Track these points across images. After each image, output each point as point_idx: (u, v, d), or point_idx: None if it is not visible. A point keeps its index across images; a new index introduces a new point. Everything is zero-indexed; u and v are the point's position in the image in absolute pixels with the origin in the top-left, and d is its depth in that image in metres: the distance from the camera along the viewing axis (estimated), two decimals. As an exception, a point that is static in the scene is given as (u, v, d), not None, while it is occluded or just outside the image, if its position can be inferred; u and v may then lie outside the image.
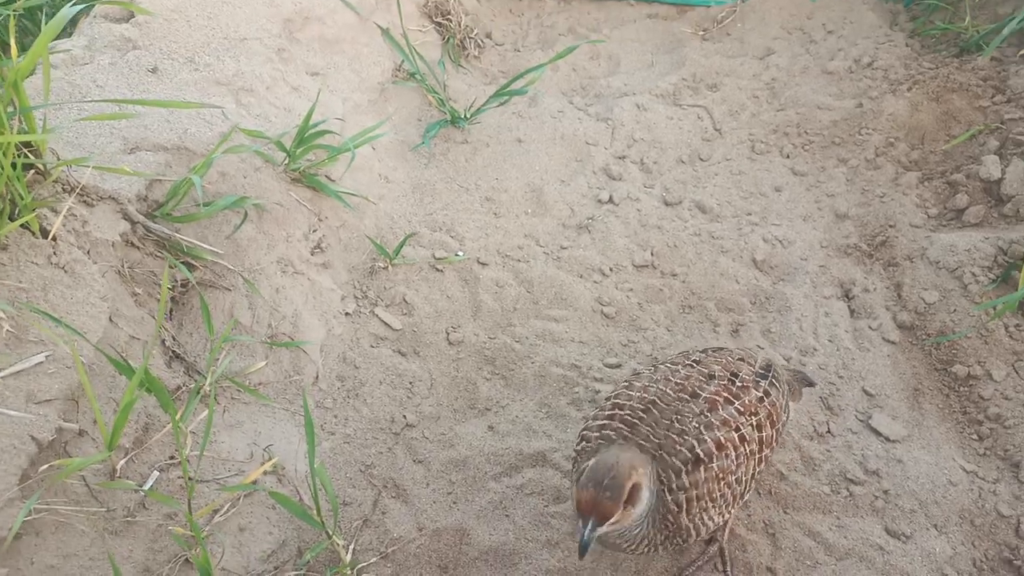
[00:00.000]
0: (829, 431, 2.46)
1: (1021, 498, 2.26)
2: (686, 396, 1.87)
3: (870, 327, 2.77)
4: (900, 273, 2.90)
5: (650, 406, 1.85)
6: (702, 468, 1.76)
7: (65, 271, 1.93)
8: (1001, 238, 2.81)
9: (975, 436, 2.46)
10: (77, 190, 2.09)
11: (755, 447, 1.87)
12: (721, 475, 1.79)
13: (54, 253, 1.94)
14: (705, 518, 1.80)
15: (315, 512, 1.95)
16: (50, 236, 1.94)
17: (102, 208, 2.21)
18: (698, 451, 1.77)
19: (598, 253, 3.09)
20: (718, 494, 1.80)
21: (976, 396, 2.52)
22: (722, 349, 2.10)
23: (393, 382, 2.56)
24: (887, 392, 2.58)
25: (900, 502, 2.27)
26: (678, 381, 1.91)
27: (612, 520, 1.62)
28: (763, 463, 1.93)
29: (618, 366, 2.67)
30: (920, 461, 2.35)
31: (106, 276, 2.06)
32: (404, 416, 2.46)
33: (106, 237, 2.13)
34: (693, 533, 1.81)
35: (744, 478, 1.86)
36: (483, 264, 2.99)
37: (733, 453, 1.81)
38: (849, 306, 2.86)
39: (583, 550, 1.60)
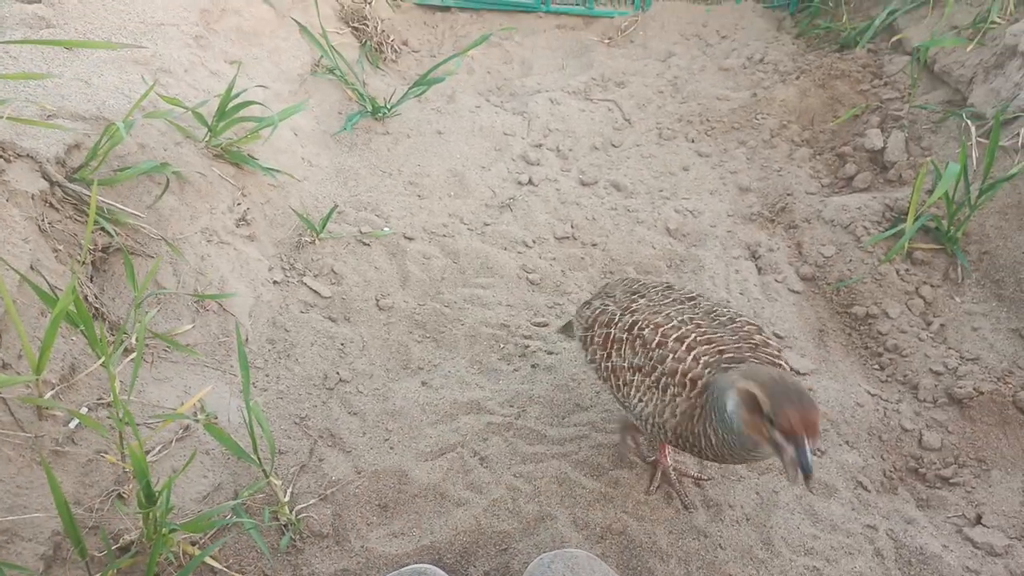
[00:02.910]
0: (746, 369, 2.60)
1: (921, 414, 2.44)
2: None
3: (776, 280, 2.95)
4: (800, 233, 3.11)
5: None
6: None
7: (-16, 211, 1.89)
8: (888, 197, 3.07)
9: (876, 366, 2.65)
10: (-6, 141, 2.05)
11: None
12: None
13: (-28, 193, 1.89)
14: None
15: (252, 451, 1.92)
16: (-33, 177, 1.90)
17: (19, 164, 2.17)
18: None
19: (521, 228, 3.19)
20: None
21: (875, 332, 2.72)
22: None
23: (325, 343, 2.56)
24: (795, 334, 2.75)
25: (814, 423, 2.41)
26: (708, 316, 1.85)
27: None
28: None
29: (546, 324, 2.75)
30: (829, 388, 2.51)
31: (27, 222, 2.01)
32: (337, 373, 2.46)
33: (25, 189, 2.09)
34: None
35: None
36: (409, 239, 3.05)
37: None
38: (756, 264, 3.05)
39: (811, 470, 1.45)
